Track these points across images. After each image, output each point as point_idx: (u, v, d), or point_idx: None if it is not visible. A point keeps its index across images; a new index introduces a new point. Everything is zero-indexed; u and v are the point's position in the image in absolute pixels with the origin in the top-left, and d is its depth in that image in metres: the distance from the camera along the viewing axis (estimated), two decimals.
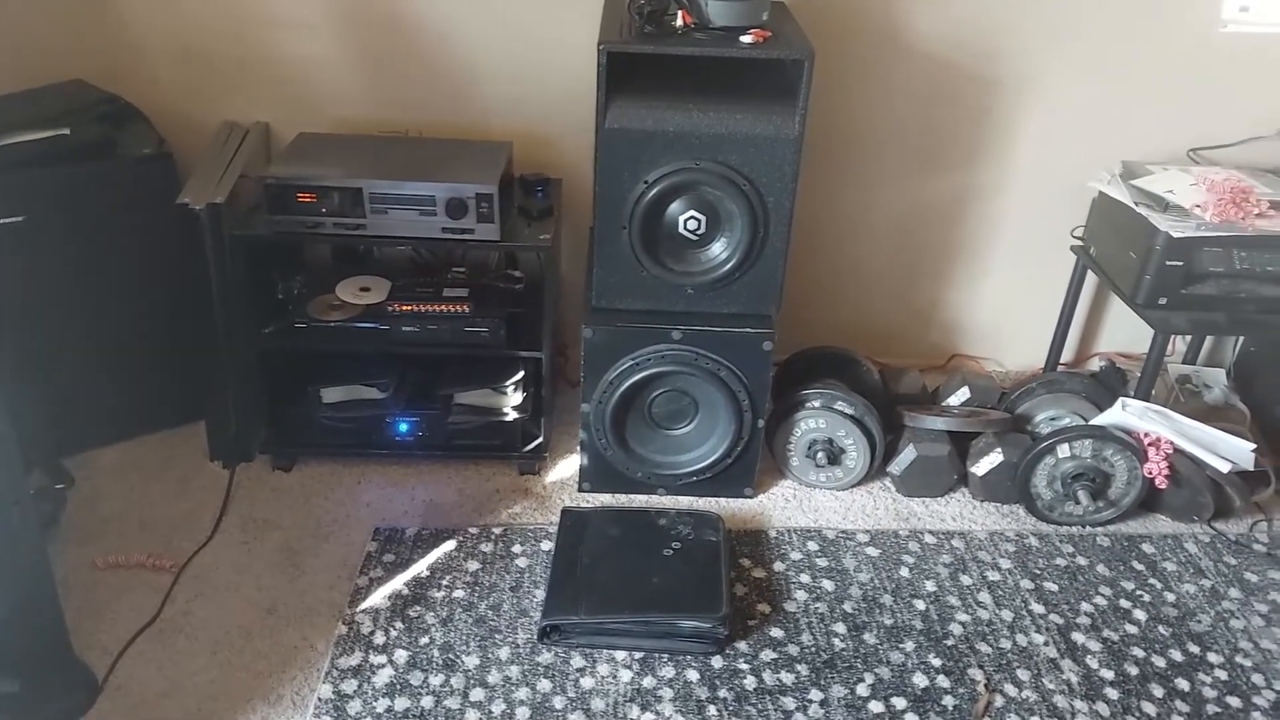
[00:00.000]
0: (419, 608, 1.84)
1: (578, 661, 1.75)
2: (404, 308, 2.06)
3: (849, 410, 2.16)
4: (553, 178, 2.24)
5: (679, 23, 1.84)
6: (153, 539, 1.98)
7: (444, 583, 1.90)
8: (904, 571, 2.00)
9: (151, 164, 2.07)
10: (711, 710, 1.67)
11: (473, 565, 1.95)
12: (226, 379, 2.09)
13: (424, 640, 1.77)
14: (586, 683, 1.71)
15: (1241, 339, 2.54)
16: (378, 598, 1.86)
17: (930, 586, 1.96)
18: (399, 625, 1.80)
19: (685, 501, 2.16)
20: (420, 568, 1.93)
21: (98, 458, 2.19)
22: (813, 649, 1.80)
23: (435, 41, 2.23)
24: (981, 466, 2.16)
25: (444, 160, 2.07)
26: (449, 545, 1.99)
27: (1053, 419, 2.25)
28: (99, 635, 1.75)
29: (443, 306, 2.06)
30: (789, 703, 1.69)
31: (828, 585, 1.95)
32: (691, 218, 1.94)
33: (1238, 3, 2.30)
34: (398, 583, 1.90)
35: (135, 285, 2.11)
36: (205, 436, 2.17)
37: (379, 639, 1.77)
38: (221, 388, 2.10)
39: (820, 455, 2.18)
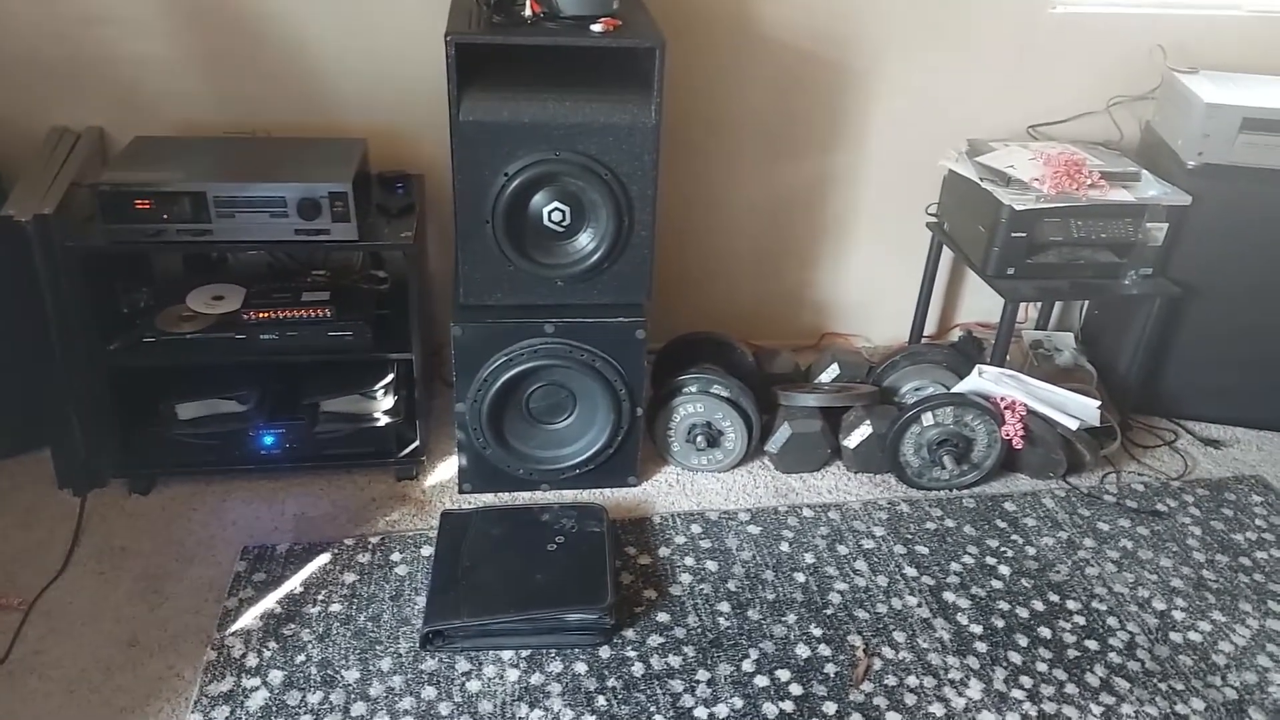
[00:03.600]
0: (294, 625, 1.78)
1: (463, 665, 1.72)
2: (261, 315, 1.98)
3: (725, 393, 2.20)
4: (413, 174, 2.19)
5: (528, 12, 1.82)
6: None
7: (319, 598, 1.84)
8: (784, 546, 2.04)
9: None
10: (600, 701, 1.67)
11: (350, 577, 1.89)
12: (70, 401, 1.96)
13: (300, 658, 1.71)
14: (473, 686, 1.68)
15: (1087, 303, 2.70)
16: (249, 619, 1.78)
17: (809, 559, 2.01)
18: (273, 645, 1.73)
19: (569, 495, 2.15)
20: (293, 584, 1.86)
21: None
22: (698, 630, 1.82)
23: (280, 36, 2.14)
24: (853, 439, 2.22)
25: (294, 160, 1.99)
26: (323, 559, 1.93)
27: (917, 389, 2.34)
28: None
29: (303, 311, 1.99)
30: (677, 685, 1.71)
31: (711, 566, 1.98)
32: (556, 209, 1.92)
33: None
34: (270, 601, 1.82)
35: None
36: (52, 463, 2.03)
37: (251, 661, 1.70)
38: (65, 410, 1.97)
39: (700, 439, 2.21)
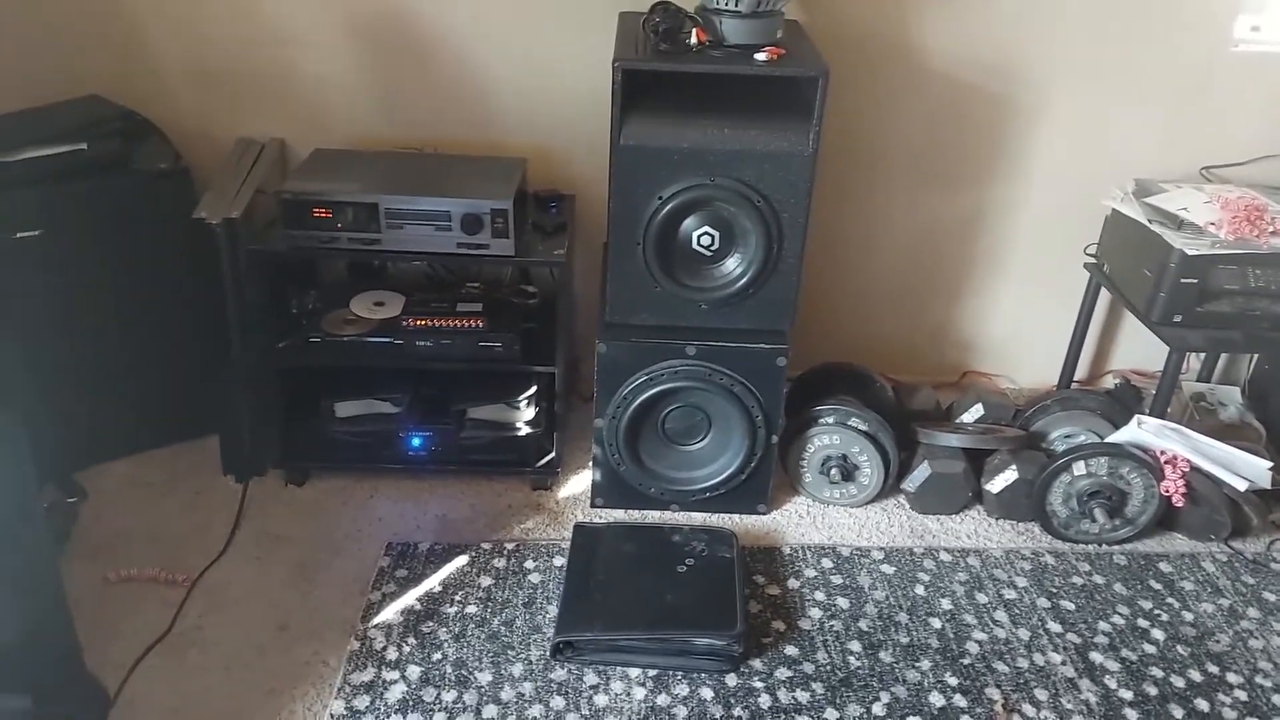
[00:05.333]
0: (432, 623, 1.83)
1: (591, 679, 1.74)
2: (418, 322, 2.07)
3: (863, 426, 2.16)
4: (566, 194, 2.24)
5: (693, 40, 1.85)
6: (164, 553, 1.97)
7: (457, 598, 1.89)
8: (919, 589, 1.98)
9: (168, 179, 2.08)
10: None
11: (486, 581, 1.94)
12: (240, 393, 2.09)
13: (437, 656, 1.76)
14: (600, 700, 1.70)
15: (1256, 356, 2.53)
16: (390, 613, 1.85)
17: (946, 604, 1.95)
18: (412, 641, 1.79)
19: (699, 518, 2.16)
20: (433, 583, 1.93)
21: (110, 471, 2.19)
22: (828, 667, 1.79)
23: (450, 59, 2.24)
24: (997, 484, 2.15)
25: (459, 176, 2.08)
26: (462, 560, 1.99)
27: (1068, 436, 2.24)
28: (110, 651, 1.74)
29: (457, 321, 2.07)
30: None
31: (843, 603, 1.94)
32: (705, 234, 1.94)
33: (1249, 22, 2.31)
34: (410, 598, 1.89)
35: (150, 299, 2.11)
36: (218, 450, 2.17)
37: (391, 655, 1.76)
38: (235, 402, 2.10)
39: (834, 471, 2.17)
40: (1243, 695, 1.77)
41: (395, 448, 2.16)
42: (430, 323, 2.06)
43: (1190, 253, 2.03)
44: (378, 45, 2.23)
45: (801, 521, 2.18)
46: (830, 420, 2.17)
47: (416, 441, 2.15)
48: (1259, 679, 1.80)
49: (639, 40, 1.90)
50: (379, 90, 2.27)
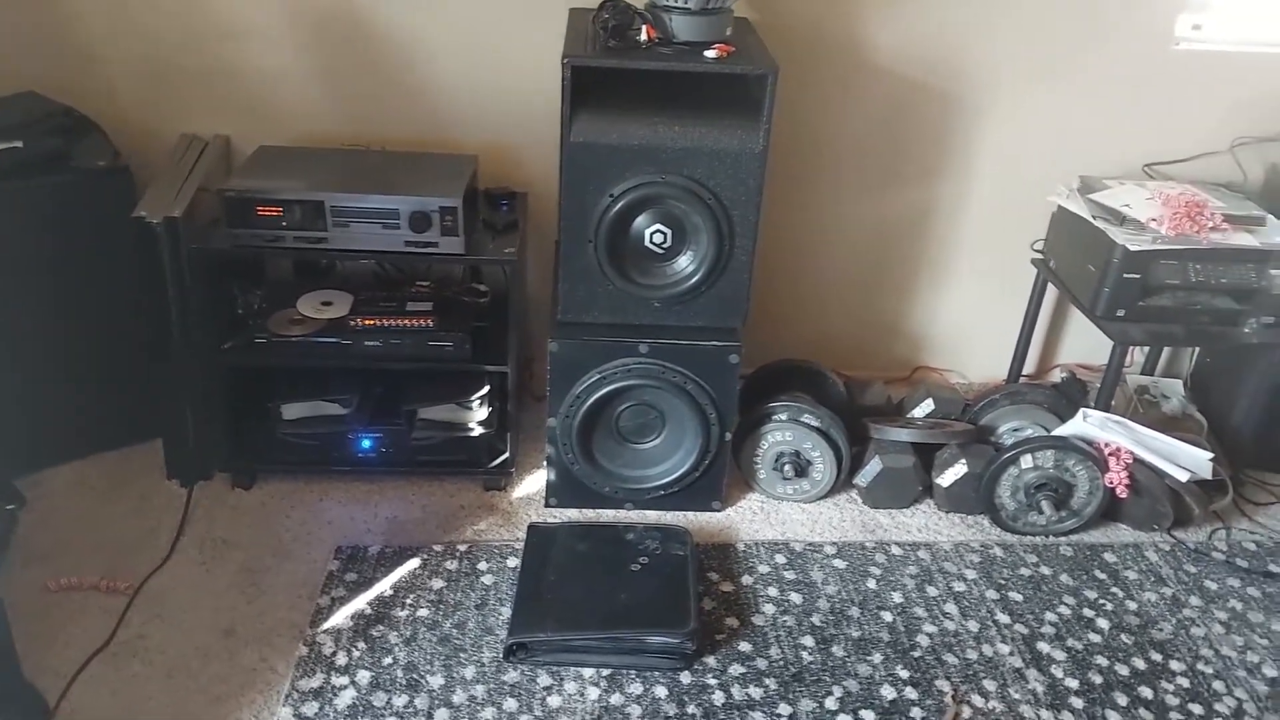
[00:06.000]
0: (382, 627, 1.81)
1: (544, 680, 1.73)
2: (367, 322, 2.04)
3: (815, 423, 2.17)
4: (518, 191, 2.23)
5: (643, 37, 1.84)
6: (107, 560, 1.93)
7: (408, 601, 1.87)
8: (871, 583, 2.00)
9: (107, 177, 2.03)
10: None
11: (437, 583, 1.92)
12: (184, 395, 2.05)
13: (387, 660, 1.74)
14: (554, 701, 1.69)
15: (1198, 350, 2.59)
16: (340, 617, 1.83)
17: (897, 598, 1.96)
18: (361, 645, 1.77)
19: (653, 516, 2.15)
20: (383, 586, 1.90)
21: (51, 477, 2.14)
22: (781, 663, 1.80)
23: (399, 55, 2.21)
24: (946, 478, 2.17)
25: (408, 173, 2.05)
26: (413, 563, 1.97)
27: (1015, 430, 2.27)
28: (50, 659, 1.70)
29: (406, 321, 2.04)
30: (758, 717, 1.68)
31: (795, 598, 1.95)
32: (657, 231, 1.94)
33: (1190, 21, 2.35)
34: (360, 602, 1.86)
35: (91, 300, 2.06)
36: (162, 454, 2.12)
37: (341, 660, 1.74)
38: (179, 404, 2.06)
39: (787, 468, 2.18)
40: (1185, 682, 1.80)
41: (344, 449, 2.13)
42: (379, 322, 2.04)
43: (1132, 248, 2.07)
44: (324, 40, 2.20)
45: (755, 518, 2.18)
46: (783, 417, 2.18)
47: (366, 443, 2.13)
48: (1201, 666, 1.84)
49: (589, 37, 1.89)
50: (326, 86, 2.24)
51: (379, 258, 2.13)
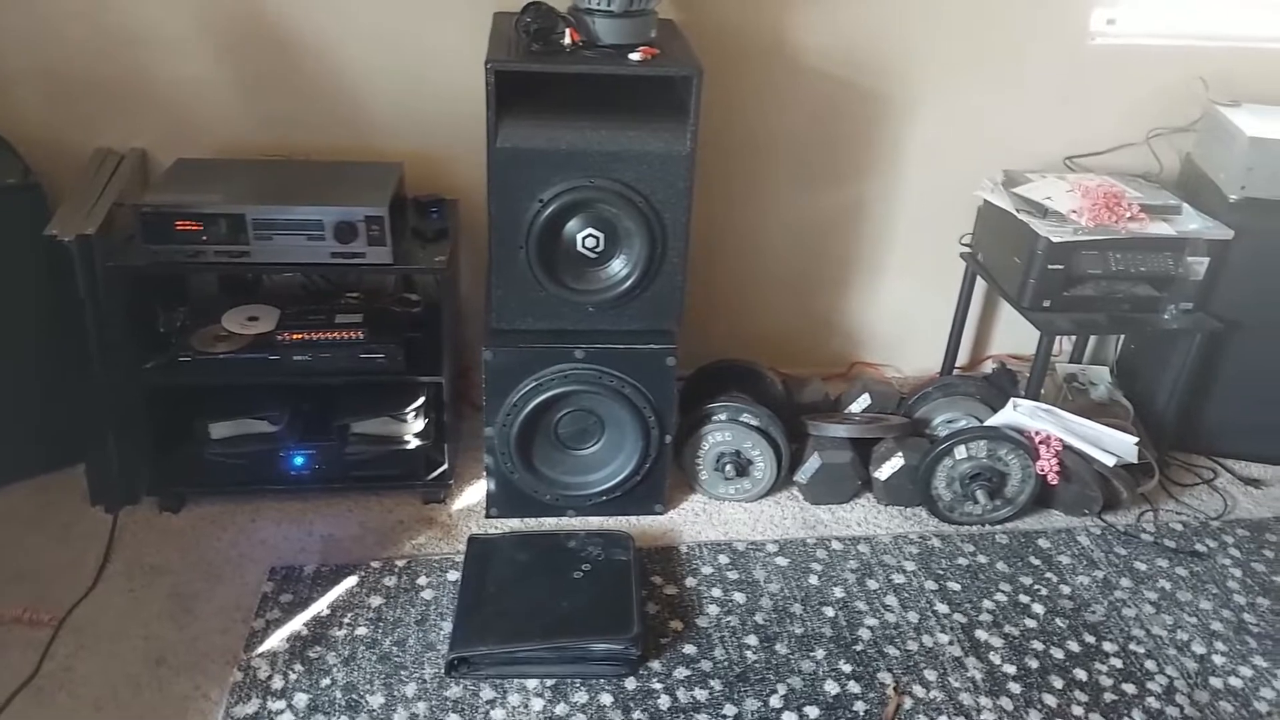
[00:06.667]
0: (319, 648, 1.77)
1: (488, 693, 1.71)
2: (294, 336, 1.99)
3: (754, 422, 2.18)
4: (448, 198, 2.20)
5: (567, 40, 1.83)
6: (31, 591, 1.86)
7: (346, 620, 1.83)
8: (813, 579, 2.01)
9: (17, 195, 1.96)
10: None
11: (376, 600, 1.89)
12: (106, 418, 1.99)
13: (325, 682, 1.71)
14: (497, 715, 1.67)
15: (1123, 337, 2.66)
16: (275, 640, 1.78)
17: (839, 593, 1.98)
18: (298, 668, 1.73)
19: (596, 522, 2.14)
20: (320, 606, 1.86)
21: None
22: (725, 663, 1.80)
23: (320, 62, 2.17)
24: (884, 471, 2.20)
25: (332, 183, 2.01)
26: (350, 581, 1.93)
27: (949, 421, 2.31)
28: None
29: (335, 334, 2.00)
30: (703, 719, 1.69)
31: (739, 598, 1.95)
32: (589, 235, 1.92)
33: (1105, 16, 2.42)
34: (296, 623, 1.82)
35: (4, 322, 1.98)
36: (85, 480, 2.05)
37: (277, 683, 1.69)
38: (101, 428, 2.00)
39: (728, 468, 2.19)
40: (1118, 663, 1.85)
41: (276, 468, 2.08)
42: (307, 336, 1.99)
43: (1055, 240, 2.12)
44: (242, 48, 2.14)
45: (698, 519, 2.19)
46: (723, 417, 2.19)
47: (298, 460, 2.08)
48: (1132, 646, 1.89)
49: (512, 41, 1.87)
50: (246, 96, 2.18)
51: (305, 270, 2.09)
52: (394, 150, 2.24)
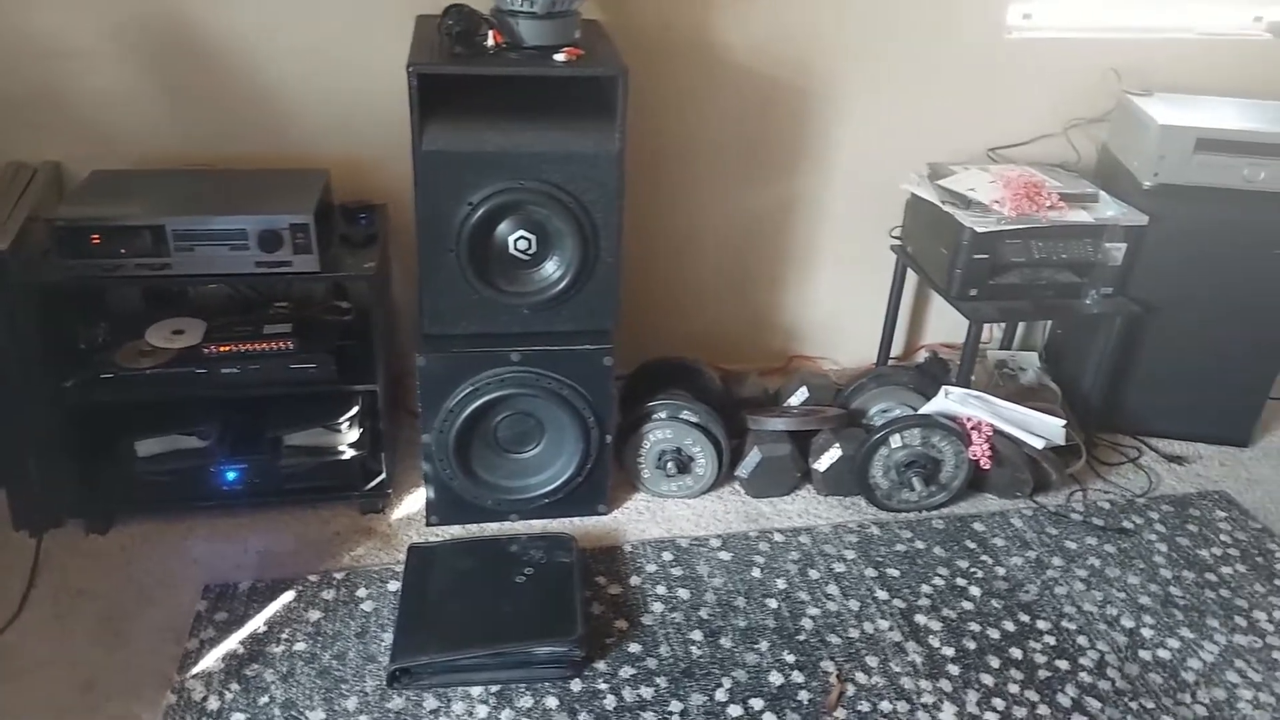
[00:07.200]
0: (257, 665, 1.74)
1: (431, 703, 1.69)
2: (222, 349, 1.95)
3: (694, 419, 2.19)
4: (376, 203, 2.17)
5: (490, 42, 1.82)
6: None
7: (283, 636, 1.80)
8: (755, 572, 2.03)
9: None
10: None
11: (314, 614, 1.85)
12: (26, 439, 1.92)
13: (263, 700, 1.67)
14: None
15: (1051, 322, 2.73)
16: (210, 660, 1.74)
17: (781, 584, 2.00)
18: (235, 687, 1.69)
19: (538, 525, 2.13)
20: (257, 623, 1.82)
21: None
22: (670, 660, 1.80)
23: (240, 69, 2.13)
24: (823, 462, 2.22)
25: (255, 192, 1.97)
26: (287, 596, 1.89)
27: (884, 411, 2.35)
28: None
29: (264, 345, 1.96)
30: (649, 717, 1.69)
31: (683, 594, 1.96)
32: (521, 237, 1.92)
33: (1021, 10, 2.48)
34: (232, 642, 1.78)
35: None
36: (6, 503, 1.99)
37: (213, 704, 1.66)
38: (21, 449, 1.93)
39: (670, 465, 2.20)
40: (1051, 640, 1.90)
41: (207, 484, 2.03)
42: (235, 348, 1.95)
43: (979, 230, 2.16)
44: (161, 57, 2.09)
45: (641, 518, 2.19)
46: (663, 415, 2.19)
47: (230, 475, 2.04)
48: (1065, 623, 1.94)
49: (435, 44, 1.85)
50: (163, 105, 2.13)
51: (230, 281, 2.05)
52: (320, 157, 2.20)
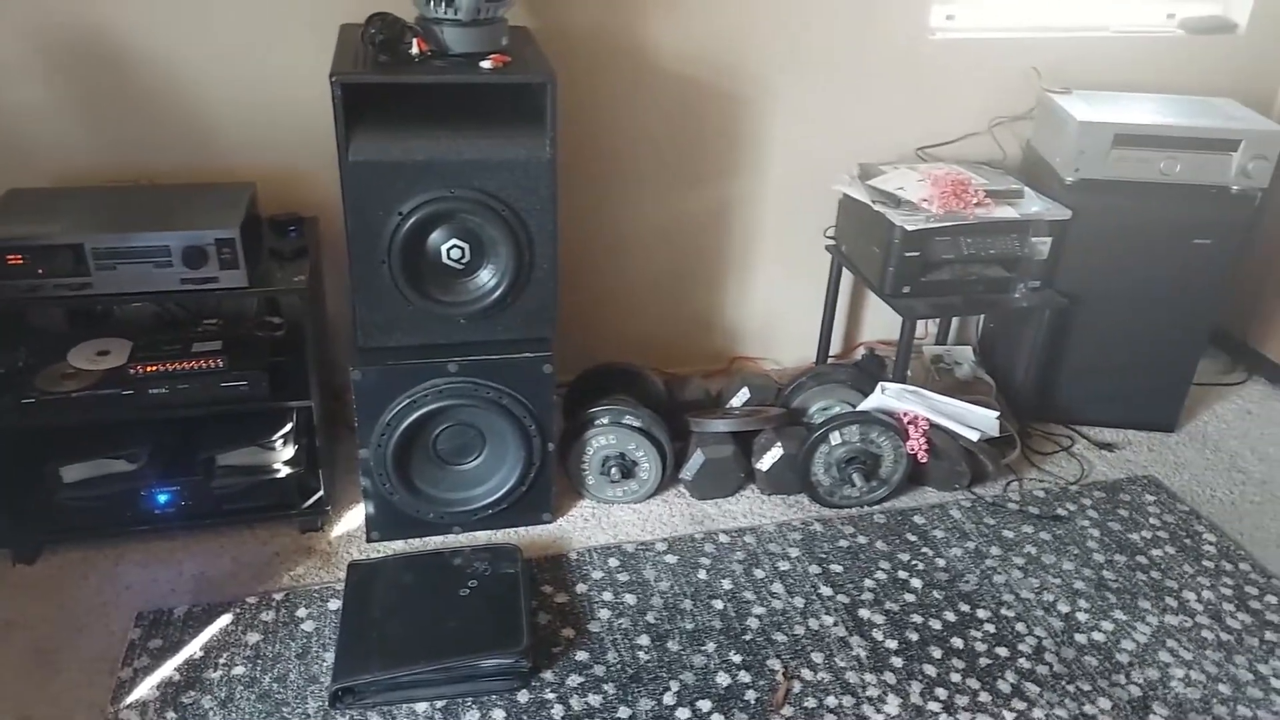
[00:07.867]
0: (194, 692, 1.70)
1: None
2: (149, 369, 1.90)
3: (637, 423, 2.19)
4: (306, 216, 2.14)
5: (415, 50, 1.80)
6: None
7: (221, 661, 1.76)
8: (701, 574, 2.04)
9: None
10: None
11: (253, 637, 1.82)
12: None
13: None
14: None
15: (984, 316, 2.78)
16: (144, 689, 1.70)
17: (727, 585, 2.01)
18: (171, 715, 1.65)
19: (483, 536, 2.12)
20: (193, 649, 1.78)
21: None
22: (618, 666, 1.80)
23: (161, 81, 2.08)
24: (765, 461, 2.24)
25: (179, 207, 1.92)
26: (225, 620, 1.85)
27: (824, 409, 2.37)
28: None
29: (193, 363, 1.92)
30: None
31: (630, 599, 1.96)
32: (454, 247, 1.90)
33: (943, 12, 2.53)
34: (168, 668, 1.74)
35: None
36: None
37: None
38: None
39: (614, 470, 2.20)
40: (991, 628, 1.93)
41: (138, 508, 1.98)
42: (163, 367, 1.90)
43: (909, 228, 2.20)
44: (79, 70, 2.03)
45: (587, 524, 2.18)
46: (605, 421, 2.19)
47: (162, 498, 1.99)
48: (1004, 610, 1.98)
49: (359, 53, 1.83)
50: (81, 120, 2.07)
51: (155, 299, 1.99)
52: (246, 170, 2.16)
